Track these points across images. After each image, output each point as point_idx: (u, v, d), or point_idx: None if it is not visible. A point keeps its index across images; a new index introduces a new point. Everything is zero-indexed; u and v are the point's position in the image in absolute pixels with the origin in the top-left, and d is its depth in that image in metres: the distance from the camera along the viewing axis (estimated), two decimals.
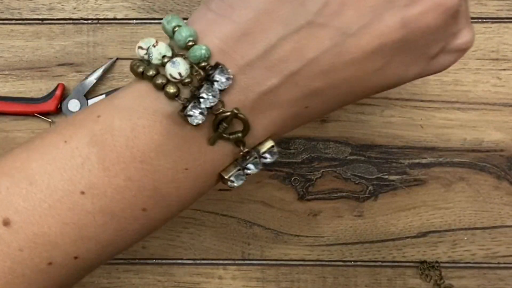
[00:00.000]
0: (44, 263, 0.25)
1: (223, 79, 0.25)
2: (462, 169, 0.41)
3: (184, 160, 0.26)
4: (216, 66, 0.25)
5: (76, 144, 0.25)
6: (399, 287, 0.41)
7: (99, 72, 0.40)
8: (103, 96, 0.40)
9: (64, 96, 0.40)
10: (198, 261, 0.41)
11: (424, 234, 0.41)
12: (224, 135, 0.26)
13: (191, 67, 0.25)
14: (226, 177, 0.27)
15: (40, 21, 0.41)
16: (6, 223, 0.25)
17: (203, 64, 0.25)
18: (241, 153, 0.26)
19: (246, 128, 0.26)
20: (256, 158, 0.27)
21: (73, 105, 0.40)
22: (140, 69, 0.26)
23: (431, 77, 0.41)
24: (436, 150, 0.41)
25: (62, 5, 0.41)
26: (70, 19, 0.41)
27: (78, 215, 0.25)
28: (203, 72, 0.25)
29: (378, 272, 0.41)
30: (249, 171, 0.27)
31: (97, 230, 0.26)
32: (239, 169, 0.27)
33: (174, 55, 0.25)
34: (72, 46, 0.41)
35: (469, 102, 0.41)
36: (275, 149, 0.27)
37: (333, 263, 0.41)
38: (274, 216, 0.41)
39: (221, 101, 0.25)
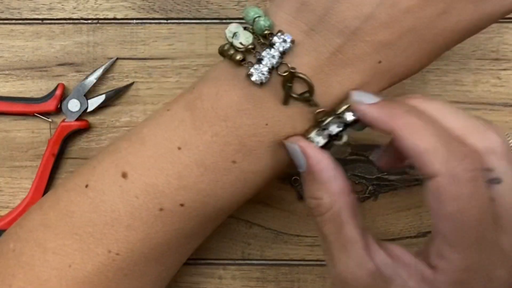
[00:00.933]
0: (157, 209, 0.30)
1: (281, 42, 0.28)
2: None
3: (263, 117, 0.29)
4: (276, 33, 0.28)
5: (175, 110, 0.31)
6: None
7: (99, 72, 0.40)
8: (103, 96, 0.40)
9: (64, 96, 0.40)
10: (198, 261, 0.41)
11: (424, 234, 0.41)
12: (293, 95, 0.29)
13: (256, 37, 0.29)
14: (306, 136, 0.30)
15: (40, 21, 0.41)
16: (124, 175, 0.30)
17: (265, 33, 0.29)
18: (316, 112, 0.29)
19: (311, 88, 0.29)
20: (333, 117, 0.29)
21: (73, 105, 0.40)
22: (222, 48, 0.30)
23: (430, 77, 0.41)
24: None
25: (62, 5, 0.41)
26: (70, 19, 0.41)
27: (177, 167, 0.30)
28: (266, 40, 0.29)
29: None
30: (330, 132, 0.29)
31: (195, 180, 0.30)
32: (318, 129, 0.29)
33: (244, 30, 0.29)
34: (72, 46, 0.41)
35: (469, 102, 0.41)
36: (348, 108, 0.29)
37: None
38: (274, 216, 0.41)
39: (284, 63, 0.29)
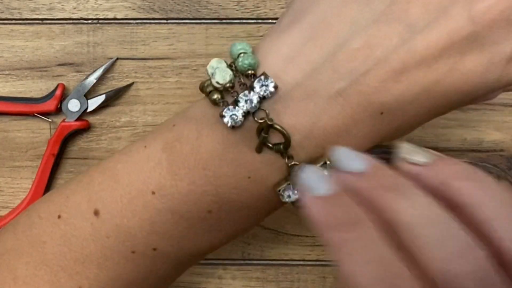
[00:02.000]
0: (128, 251, 0.28)
1: (262, 86, 0.26)
2: None
3: (245, 168, 0.27)
4: (259, 75, 0.26)
5: (152, 149, 0.28)
6: None
7: (99, 72, 0.40)
8: (103, 96, 0.40)
9: (64, 96, 0.40)
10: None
11: None
12: (269, 144, 0.26)
13: (237, 76, 0.27)
14: (276, 190, 0.27)
15: (40, 21, 0.41)
16: (96, 212, 0.28)
17: (248, 72, 0.26)
18: (289, 165, 0.26)
19: (286, 139, 0.26)
20: None
21: (73, 105, 0.40)
22: (203, 85, 0.28)
23: None
24: (436, 150, 0.41)
25: (62, 5, 0.41)
26: (70, 19, 0.41)
27: (150, 212, 0.28)
28: (247, 80, 0.26)
29: None
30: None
31: (169, 227, 0.28)
32: (288, 183, 0.27)
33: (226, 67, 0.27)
34: (72, 46, 0.41)
35: None
36: (328, 164, 0.26)
37: (333, 263, 0.41)
38: (274, 216, 0.41)
39: (262, 110, 0.26)
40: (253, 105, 0.26)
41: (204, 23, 0.41)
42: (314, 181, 0.22)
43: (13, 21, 0.41)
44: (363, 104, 0.26)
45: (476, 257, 0.20)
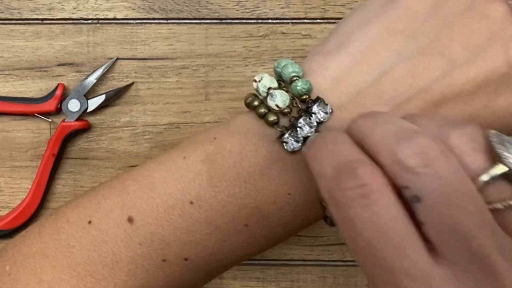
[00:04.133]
0: (160, 259, 0.29)
1: (321, 113, 0.27)
2: None
3: (287, 185, 0.28)
4: (316, 100, 0.27)
5: (192, 160, 0.29)
6: None
7: (99, 72, 0.40)
8: (103, 96, 0.40)
9: (64, 96, 0.40)
10: None
11: None
12: None
13: (293, 99, 0.27)
14: (328, 214, 0.27)
15: (40, 21, 0.41)
16: (130, 220, 0.29)
17: (304, 97, 0.27)
18: None
19: None
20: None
21: (73, 105, 0.40)
22: (249, 100, 0.28)
23: None
24: None
25: (62, 5, 0.41)
26: (70, 19, 0.41)
27: (186, 222, 0.28)
28: (303, 105, 0.27)
29: None
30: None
31: (203, 237, 0.28)
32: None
33: (279, 88, 0.28)
34: (72, 46, 0.41)
35: None
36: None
37: (333, 263, 0.41)
38: None
39: (318, 132, 0.27)
40: (312, 129, 0.27)
41: (204, 23, 0.41)
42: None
43: (13, 21, 0.41)
44: None
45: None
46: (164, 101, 0.41)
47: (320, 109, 0.27)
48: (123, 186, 0.30)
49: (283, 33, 0.41)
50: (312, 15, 0.40)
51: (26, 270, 0.30)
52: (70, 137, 0.40)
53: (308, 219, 0.29)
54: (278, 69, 0.28)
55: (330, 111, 0.27)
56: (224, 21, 0.41)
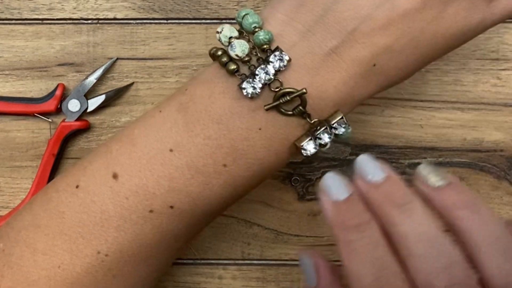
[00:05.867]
0: (146, 210, 0.30)
1: (278, 61, 0.28)
2: (462, 169, 0.41)
3: (256, 121, 0.29)
4: (275, 49, 0.28)
5: (167, 112, 0.30)
6: None
7: (99, 72, 0.40)
8: (103, 96, 0.40)
9: (64, 96, 0.40)
10: (198, 261, 0.41)
11: None
12: (286, 111, 0.29)
13: (253, 48, 0.29)
14: (298, 144, 0.30)
15: (40, 21, 0.41)
16: (115, 176, 0.30)
17: (264, 46, 0.29)
18: (310, 123, 0.29)
19: (303, 102, 0.29)
20: (326, 128, 0.30)
21: (73, 105, 0.40)
22: (213, 51, 0.30)
23: (430, 77, 0.41)
24: (436, 150, 0.41)
25: (62, 5, 0.41)
26: (70, 19, 0.41)
27: (168, 169, 0.29)
28: (263, 54, 0.29)
29: None
30: (321, 141, 0.30)
31: (186, 182, 0.30)
32: (310, 138, 0.30)
33: (240, 37, 0.30)
34: (72, 46, 0.41)
35: (469, 102, 0.41)
36: (345, 120, 0.30)
37: (333, 263, 0.41)
38: (274, 216, 0.41)
39: (277, 80, 0.29)
40: (270, 77, 0.28)
41: (204, 23, 0.41)
42: (333, 186, 0.26)
43: (13, 21, 0.41)
44: (356, 58, 0.29)
45: (459, 275, 0.23)
46: None
47: (277, 58, 0.28)
48: (107, 148, 0.31)
49: None
50: None
51: (19, 243, 0.30)
52: (70, 137, 0.40)
53: (282, 154, 0.31)
54: (239, 19, 0.30)
55: (288, 59, 0.28)
56: (224, 21, 0.41)
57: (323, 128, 0.30)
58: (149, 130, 0.30)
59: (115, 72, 0.41)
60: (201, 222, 0.32)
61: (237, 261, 0.41)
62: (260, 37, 0.29)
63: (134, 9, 0.41)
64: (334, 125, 0.30)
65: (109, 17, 0.41)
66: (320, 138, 0.30)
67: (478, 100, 0.41)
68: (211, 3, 0.41)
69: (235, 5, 0.41)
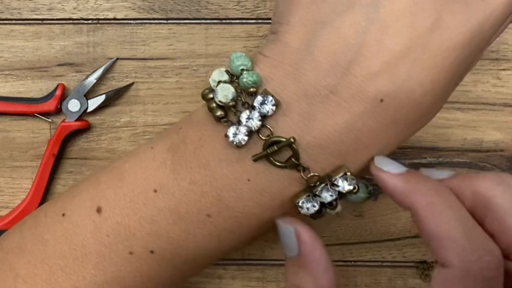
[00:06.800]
0: (126, 252, 0.28)
1: (264, 106, 0.26)
2: (462, 169, 0.41)
3: (245, 171, 0.27)
4: (259, 93, 0.26)
5: (158, 150, 0.29)
6: (399, 287, 0.41)
7: (99, 72, 0.40)
8: (103, 96, 0.40)
9: (64, 96, 0.40)
10: None
11: None
12: (277, 163, 0.26)
13: (241, 92, 0.27)
14: (294, 201, 0.27)
15: (40, 21, 0.41)
16: (99, 210, 0.29)
17: (251, 89, 0.26)
18: (308, 176, 0.26)
19: (296, 153, 0.26)
20: (326, 184, 0.26)
21: (73, 105, 0.40)
22: (205, 92, 0.28)
23: None
24: (436, 150, 0.41)
25: (62, 5, 0.41)
26: (70, 19, 0.41)
27: (151, 211, 0.28)
28: (248, 99, 0.26)
29: (378, 272, 0.41)
30: (322, 199, 0.26)
31: (167, 228, 0.28)
32: (308, 195, 0.27)
33: (228, 81, 0.27)
34: (72, 46, 0.41)
35: (469, 102, 0.41)
36: (350, 175, 0.26)
37: (333, 263, 0.41)
38: None
39: (266, 127, 0.26)
40: (257, 123, 0.26)
41: (204, 23, 0.41)
42: (389, 163, 0.26)
43: (13, 21, 0.41)
44: (358, 95, 0.25)
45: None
46: (164, 101, 0.41)
47: (260, 102, 0.26)
48: (97, 178, 0.30)
49: None
50: None
51: (5, 266, 0.30)
52: (70, 137, 0.40)
53: (276, 210, 0.28)
54: (229, 63, 0.28)
55: (273, 102, 0.26)
56: (224, 21, 0.41)
57: (323, 185, 0.26)
58: (138, 166, 0.29)
59: (115, 72, 0.41)
60: (183, 272, 0.30)
61: (237, 261, 0.41)
62: (244, 80, 0.26)
63: (134, 9, 0.41)
64: (335, 181, 0.26)
65: (109, 17, 0.41)
66: (320, 196, 0.26)
67: (478, 100, 0.41)
68: (211, 3, 0.41)
69: (235, 5, 0.41)
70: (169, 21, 0.41)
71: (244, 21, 0.41)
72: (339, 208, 0.27)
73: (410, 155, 0.41)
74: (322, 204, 0.27)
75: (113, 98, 0.40)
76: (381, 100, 0.25)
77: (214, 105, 0.27)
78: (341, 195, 0.26)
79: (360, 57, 0.25)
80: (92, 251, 0.29)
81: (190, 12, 0.41)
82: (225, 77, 0.27)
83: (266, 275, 0.41)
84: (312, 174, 0.26)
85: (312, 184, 0.26)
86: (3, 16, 0.41)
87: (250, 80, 0.26)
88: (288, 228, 0.26)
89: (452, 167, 0.41)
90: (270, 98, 0.26)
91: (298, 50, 0.26)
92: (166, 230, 0.28)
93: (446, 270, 0.23)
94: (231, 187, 0.27)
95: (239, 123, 0.26)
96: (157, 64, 0.41)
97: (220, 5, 0.41)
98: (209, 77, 0.27)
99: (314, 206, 0.27)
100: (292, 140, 0.25)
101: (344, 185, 0.26)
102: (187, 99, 0.41)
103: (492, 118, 0.41)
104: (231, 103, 0.26)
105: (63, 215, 0.30)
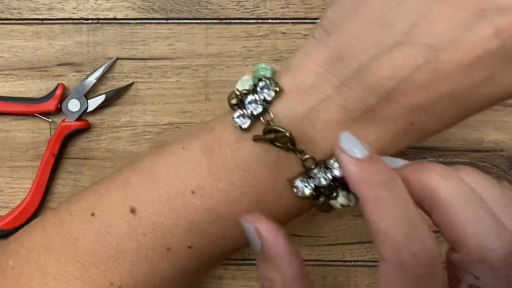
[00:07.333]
0: (164, 248, 0.29)
1: (264, 88, 0.27)
2: None
3: (284, 171, 0.28)
4: (266, 78, 0.28)
5: (191, 151, 0.29)
6: None
7: (99, 72, 0.40)
8: (103, 96, 0.40)
9: (64, 96, 0.40)
10: None
11: None
12: (277, 143, 0.28)
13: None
14: (291, 182, 0.28)
15: (40, 21, 0.41)
16: (133, 210, 0.29)
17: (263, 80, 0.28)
18: (303, 159, 0.28)
19: (290, 139, 0.27)
20: (321, 167, 0.27)
21: (73, 105, 0.40)
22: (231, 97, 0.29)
23: None
24: (436, 150, 0.41)
25: (62, 5, 0.41)
26: (70, 19, 0.41)
27: (189, 211, 0.29)
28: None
29: (378, 272, 0.41)
30: (316, 182, 0.27)
31: (206, 225, 0.29)
32: (303, 176, 0.28)
33: (252, 92, 0.28)
34: (72, 46, 0.41)
35: None
36: None
37: (333, 263, 0.41)
38: None
39: (267, 111, 0.27)
40: (259, 107, 0.27)
41: (204, 23, 0.41)
42: (355, 144, 0.25)
43: (13, 21, 0.41)
44: (392, 117, 0.27)
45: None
46: (164, 101, 0.41)
47: (262, 84, 0.28)
48: (125, 179, 0.30)
49: (283, 33, 0.41)
50: (312, 15, 0.40)
51: (30, 264, 0.30)
52: (70, 137, 0.40)
53: (306, 209, 0.30)
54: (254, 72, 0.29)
55: (275, 89, 0.27)
56: (224, 21, 0.41)
57: (318, 167, 0.28)
58: (171, 167, 0.29)
59: (115, 72, 0.41)
60: (218, 261, 0.32)
61: (237, 261, 0.41)
62: (259, 72, 0.28)
63: (134, 9, 0.41)
64: (328, 164, 0.27)
65: (109, 17, 0.41)
66: (314, 179, 0.28)
67: None
68: (211, 3, 0.41)
69: (235, 5, 0.41)
70: (169, 21, 0.41)
71: (244, 21, 0.41)
72: (341, 199, 0.28)
73: (410, 155, 0.41)
74: (319, 189, 0.28)
75: (113, 98, 0.40)
76: (412, 124, 0.28)
77: (233, 97, 0.28)
78: (334, 180, 0.27)
79: (404, 87, 0.26)
80: (127, 249, 0.29)
81: (190, 12, 0.41)
82: (249, 85, 0.29)
83: None
84: (308, 156, 0.28)
85: (309, 167, 0.28)
86: (3, 16, 0.41)
87: (262, 73, 0.28)
88: (249, 227, 0.27)
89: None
90: (274, 84, 0.27)
91: (349, 66, 0.27)
92: (204, 228, 0.29)
93: (384, 263, 0.24)
94: (271, 187, 0.28)
95: (245, 108, 0.28)
96: (157, 64, 0.41)
97: (220, 5, 0.41)
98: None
99: (306, 187, 0.28)
100: (287, 134, 0.27)
101: (337, 170, 0.27)
102: (187, 99, 0.41)
103: (492, 118, 0.41)
104: (245, 91, 0.28)
105: (92, 214, 0.30)
